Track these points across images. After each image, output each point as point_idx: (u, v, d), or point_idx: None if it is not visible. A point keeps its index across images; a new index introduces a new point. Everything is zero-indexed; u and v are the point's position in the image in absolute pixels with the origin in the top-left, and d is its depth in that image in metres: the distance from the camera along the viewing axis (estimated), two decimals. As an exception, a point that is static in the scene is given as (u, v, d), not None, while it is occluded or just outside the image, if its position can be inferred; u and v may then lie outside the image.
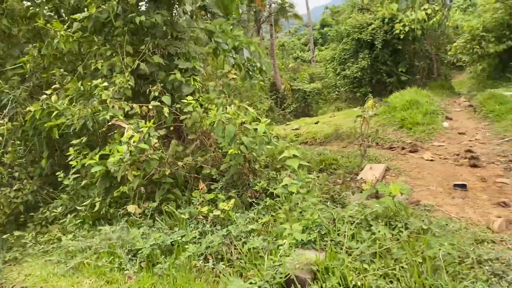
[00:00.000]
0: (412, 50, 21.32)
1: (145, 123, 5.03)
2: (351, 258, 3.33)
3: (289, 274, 3.18)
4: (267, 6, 29.53)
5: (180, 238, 4.23)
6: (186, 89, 5.89)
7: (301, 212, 4.13)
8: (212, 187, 5.19)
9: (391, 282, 3.07)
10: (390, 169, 7.44)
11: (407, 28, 19.93)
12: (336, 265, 3.23)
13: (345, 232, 3.71)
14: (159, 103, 5.37)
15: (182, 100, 5.52)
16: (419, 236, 3.64)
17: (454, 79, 23.72)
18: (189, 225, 4.58)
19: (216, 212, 4.57)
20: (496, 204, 5.47)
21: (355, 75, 21.53)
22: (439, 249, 3.27)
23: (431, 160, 8.00)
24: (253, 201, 4.90)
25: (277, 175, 5.07)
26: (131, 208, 4.99)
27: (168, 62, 6.02)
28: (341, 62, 22.90)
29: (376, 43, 20.22)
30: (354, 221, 3.91)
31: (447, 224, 4.12)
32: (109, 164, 4.80)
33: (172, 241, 4.22)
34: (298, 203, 4.19)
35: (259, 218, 4.39)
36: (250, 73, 6.97)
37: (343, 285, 3.07)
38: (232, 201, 4.61)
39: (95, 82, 5.20)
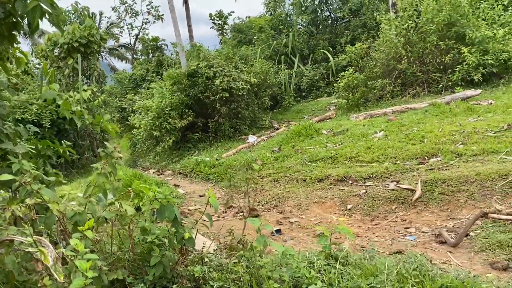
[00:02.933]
0: (78, 130, 21.23)
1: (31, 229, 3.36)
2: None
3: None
4: None
5: None
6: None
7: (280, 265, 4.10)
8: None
9: None
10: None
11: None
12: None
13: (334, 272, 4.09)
14: (39, 200, 3.59)
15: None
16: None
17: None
18: None
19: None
20: (313, 233, 6.98)
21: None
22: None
23: (218, 219, 8.75)
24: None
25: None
26: None
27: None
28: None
29: (43, 122, 18.95)
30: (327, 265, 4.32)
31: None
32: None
33: None
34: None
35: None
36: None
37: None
38: (194, 296, 3.87)
39: None
